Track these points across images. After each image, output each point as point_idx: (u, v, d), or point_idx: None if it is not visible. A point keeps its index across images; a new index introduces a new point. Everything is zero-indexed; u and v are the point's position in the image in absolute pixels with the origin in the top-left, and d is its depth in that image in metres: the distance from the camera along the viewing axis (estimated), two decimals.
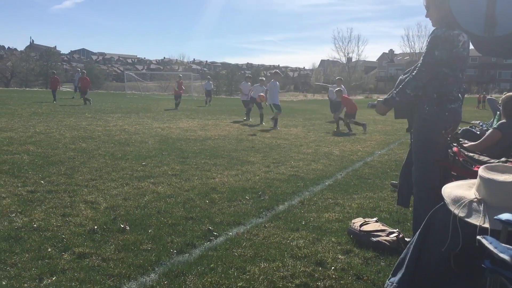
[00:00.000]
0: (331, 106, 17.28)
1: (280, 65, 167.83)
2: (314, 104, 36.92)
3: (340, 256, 3.53)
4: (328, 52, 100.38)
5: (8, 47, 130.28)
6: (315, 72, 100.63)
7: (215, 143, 9.75)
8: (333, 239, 3.91)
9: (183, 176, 6.23)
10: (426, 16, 3.60)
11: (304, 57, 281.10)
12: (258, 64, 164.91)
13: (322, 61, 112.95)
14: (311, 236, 3.97)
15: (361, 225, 3.96)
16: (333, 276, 3.16)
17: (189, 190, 5.44)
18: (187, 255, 3.44)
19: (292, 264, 3.33)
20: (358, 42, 68.36)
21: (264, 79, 16.94)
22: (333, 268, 3.29)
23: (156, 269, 3.16)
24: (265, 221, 4.37)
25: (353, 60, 62.86)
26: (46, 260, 3.19)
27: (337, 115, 14.31)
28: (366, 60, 75.09)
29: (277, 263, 3.34)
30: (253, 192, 5.50)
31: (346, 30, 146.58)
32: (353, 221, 4.19)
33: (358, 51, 62.30)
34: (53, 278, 2.92)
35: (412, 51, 65.40)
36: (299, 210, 4.82)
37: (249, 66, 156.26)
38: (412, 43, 67.16)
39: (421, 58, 3.49)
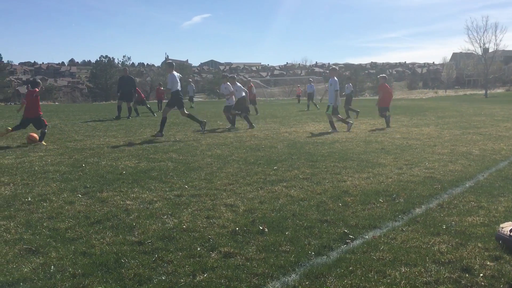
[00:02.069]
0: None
1: (407, 62, 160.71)
2: (446, 101, 34.64)
3: (488, 263, 3.31)
4: (461, 44, 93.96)
5: (147, 63, 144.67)
6: (446, 67, 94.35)
7: (343, 146, 9.69)
8: (479, 245, 3.68)
9: (314, 179, 6.32)
10: None
11: (433, 51, 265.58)
12: (383, 63, 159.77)
13: (454, 54, 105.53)
14: (454, 241, 3.78)
15: (511, 230, 3.66)
16: (483, 283, 2.98)
17: (321, 193, 5.50)
18: (325, 257, 3.51)
19: (436, 270, 3.21)
20: (495, 31, 62.15)
21: (235, 76, 14.92)
22: (481, 275, 3.10)
23: (297, 269, 3.28)
24: (402, 225, 4.26)
25: (490, 50, 57.54)
26: (197, 258, 3.50)
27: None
28: (506, 49, 68.23)
29: (418, 268, 3.25)
30: (387, 195, 5.39)
31: (481, 19, 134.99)
32: (501, 225, 3.90)
33: (496, 40, 56.82)
34: (205, 275, 3.19)
35: None
36: (438, 213, 4.61)
37: (373, 65, 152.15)
38: None
39: None
